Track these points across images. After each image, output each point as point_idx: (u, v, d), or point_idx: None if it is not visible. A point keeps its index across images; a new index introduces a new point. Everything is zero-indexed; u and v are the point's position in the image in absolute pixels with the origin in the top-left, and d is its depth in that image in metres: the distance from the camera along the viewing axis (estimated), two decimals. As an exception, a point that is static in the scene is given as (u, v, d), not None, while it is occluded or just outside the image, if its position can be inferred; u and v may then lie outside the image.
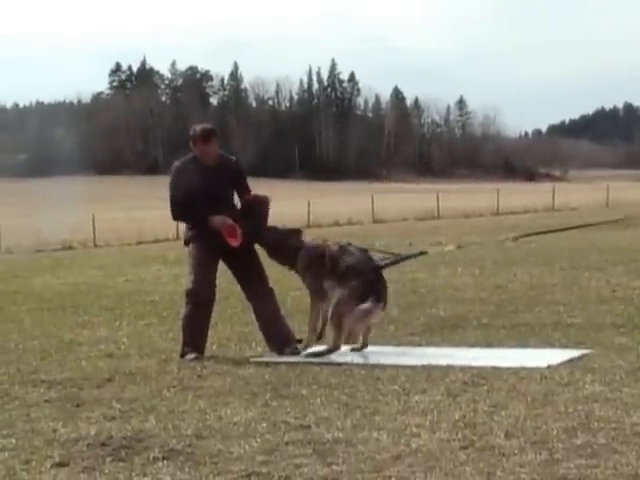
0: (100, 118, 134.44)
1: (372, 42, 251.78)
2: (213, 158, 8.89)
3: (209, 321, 8.95)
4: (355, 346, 8.67)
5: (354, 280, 8.42)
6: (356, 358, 8.37)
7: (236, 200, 9.10)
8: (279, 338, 8.86)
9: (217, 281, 8.97)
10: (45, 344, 9.97)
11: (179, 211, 8.96)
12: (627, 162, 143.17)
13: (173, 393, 7.27)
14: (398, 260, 9.00)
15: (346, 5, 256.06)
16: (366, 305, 8.34)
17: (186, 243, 9.06)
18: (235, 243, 8.74)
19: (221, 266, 9.03)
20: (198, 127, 9.00)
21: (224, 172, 8.91)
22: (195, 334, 8.81)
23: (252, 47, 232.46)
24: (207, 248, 8.83)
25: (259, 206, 9.00)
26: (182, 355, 8.73)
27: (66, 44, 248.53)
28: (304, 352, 8.58)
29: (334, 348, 8.47)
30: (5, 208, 57.75)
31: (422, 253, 9.78)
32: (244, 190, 9.05)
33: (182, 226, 9.52)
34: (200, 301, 8.83)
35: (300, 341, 8.83)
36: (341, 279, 8.48)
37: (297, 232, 9.04)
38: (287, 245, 8.82)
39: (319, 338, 8.72)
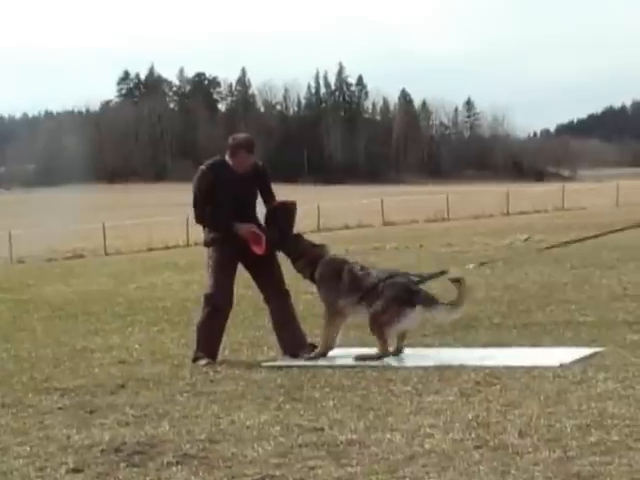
0: (109, 126, 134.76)
1: (379, 45, 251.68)
2: (247, 168, 8.85)
3: (224, 327, 8.95)
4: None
5: (388, 291, 8.44)
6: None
7: (260, 204, 9.06)
8: (292, 341, 8.87)
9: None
10: (57, 352, 9.99)
11: (203, 215, 8.88)
12: (636, 160, 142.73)
13: (186, 398, 7.28)
14: (422, 280, 8.96)
15: (353, 9, 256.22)
16: (403, 310, 8.38)
17: (206, 244, 9.01)
18: (260, 251, 8.72)
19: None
20: (242, 136, 8.92)
21: (252, 177, 8.85)
22: (210, 339, 8.81)
23: (259, 52, 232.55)
24: (228, 253, 8.80)
25: (285, 213, 8.97)
26: (194, 360, 8.74)
27: (74, 53, 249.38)
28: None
29: (383, 356, 8.45)
30: (16, 218, 57.81)
31: (442, 273, 9.71)
32: (268, 195, 8.99)
33: (194, 231, 9.49)
34: (218, 307, 8.83)
35: (314, 346, 8.83)
36: (371, 293, 8.49)
37: (321, 245, 9.06)
38: (308, 255, 8.84)
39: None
